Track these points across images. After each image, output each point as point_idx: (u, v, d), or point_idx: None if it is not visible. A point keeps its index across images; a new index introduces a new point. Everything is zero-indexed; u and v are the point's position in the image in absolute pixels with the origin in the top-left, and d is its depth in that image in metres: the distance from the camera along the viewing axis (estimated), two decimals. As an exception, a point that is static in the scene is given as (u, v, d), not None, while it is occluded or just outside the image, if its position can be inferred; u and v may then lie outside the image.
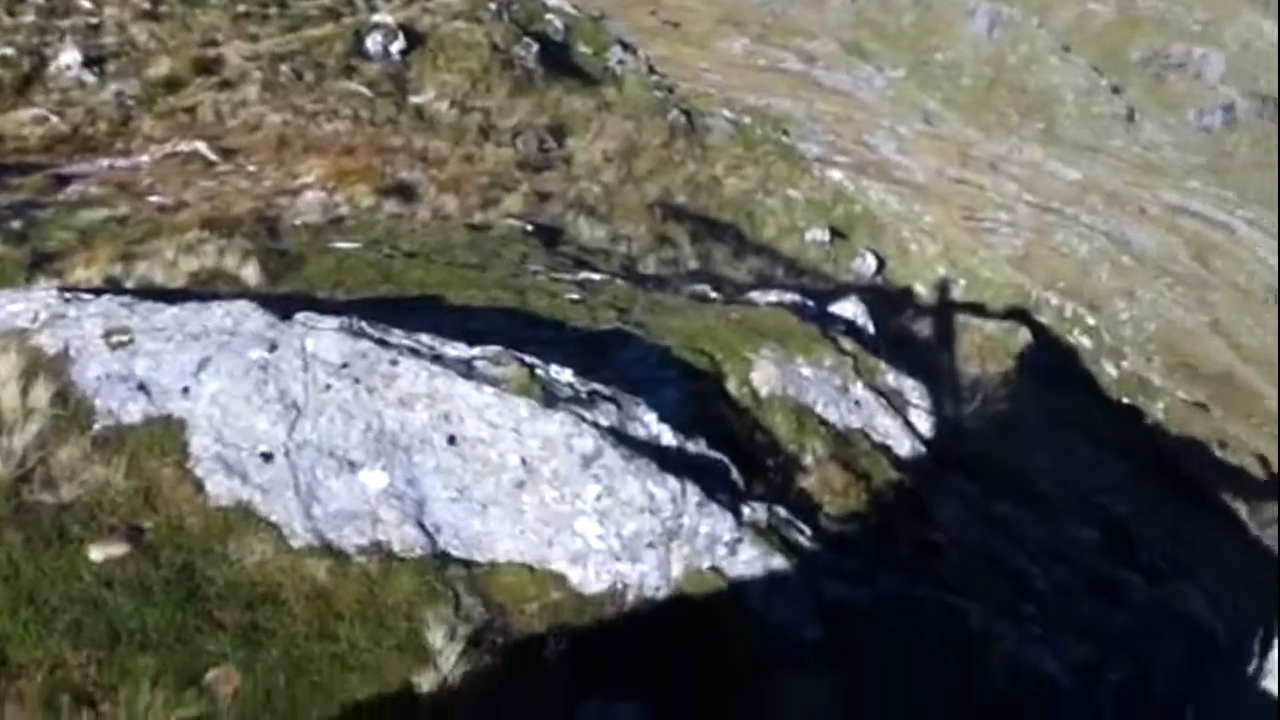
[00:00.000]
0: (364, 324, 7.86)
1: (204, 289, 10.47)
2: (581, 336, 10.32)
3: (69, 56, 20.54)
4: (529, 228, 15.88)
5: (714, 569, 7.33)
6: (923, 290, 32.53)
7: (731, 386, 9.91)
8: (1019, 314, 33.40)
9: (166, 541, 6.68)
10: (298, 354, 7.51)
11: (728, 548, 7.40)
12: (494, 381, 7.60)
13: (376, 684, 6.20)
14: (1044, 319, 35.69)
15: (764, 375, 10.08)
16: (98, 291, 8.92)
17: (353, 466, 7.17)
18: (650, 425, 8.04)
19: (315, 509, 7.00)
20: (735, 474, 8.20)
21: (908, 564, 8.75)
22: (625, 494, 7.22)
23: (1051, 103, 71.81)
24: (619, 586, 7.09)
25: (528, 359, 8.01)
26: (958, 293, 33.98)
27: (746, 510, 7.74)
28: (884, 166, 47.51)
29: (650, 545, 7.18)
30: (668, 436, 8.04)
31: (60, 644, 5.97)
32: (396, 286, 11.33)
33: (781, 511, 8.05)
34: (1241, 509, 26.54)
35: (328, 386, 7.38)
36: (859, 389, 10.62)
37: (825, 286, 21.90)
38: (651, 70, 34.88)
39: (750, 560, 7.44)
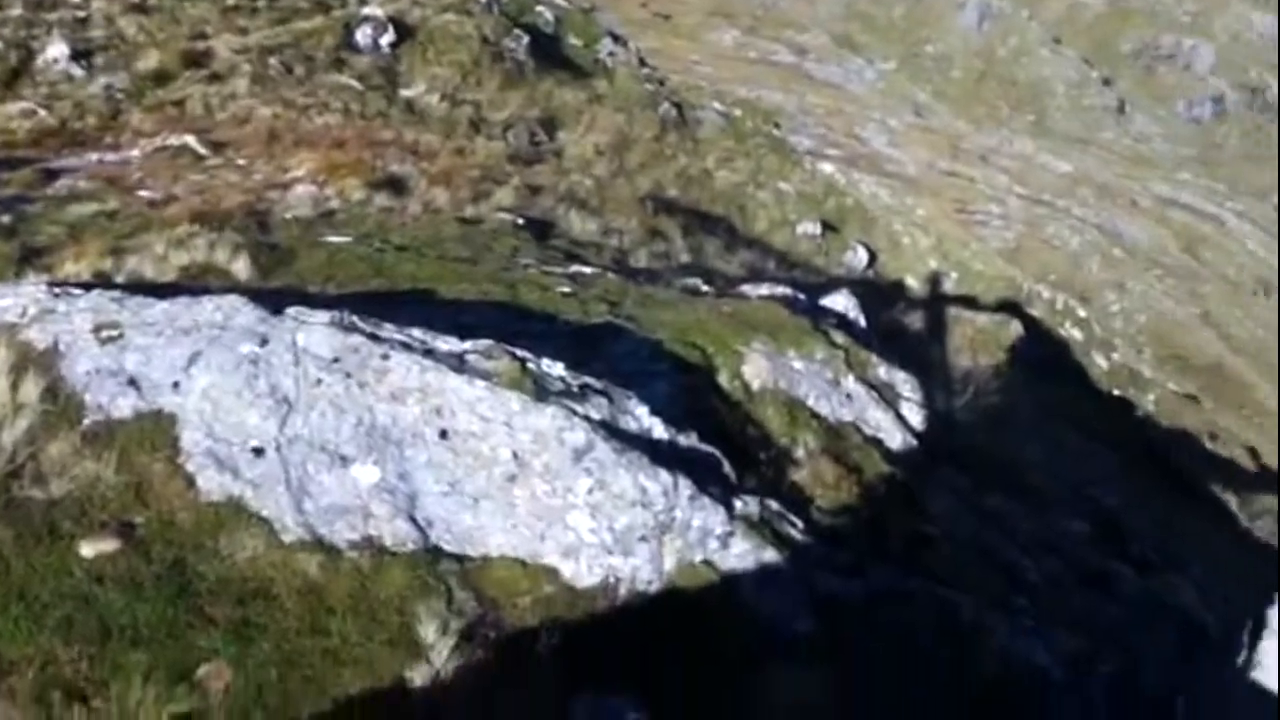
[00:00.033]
0: (355, 318, 7.84)
1: (194, 283, 10.44)
2: (573, 330, 10.31)
3: (57, 50, 20.44)
4: (520, 221, 15.86)
5: (706, 562, 7.33)
6: (914, 283, 32.59)
7: (723, 380, 9.91)
8: (1010, 306, 33.51)
9: (157, 537, 6.67)
10: (289, 348, 7.49)
11: (720, 541, 7.41)
12: (485, 375, 7.59)
13: (368, 678, 6.20)
14: (1035, 311, 35.79)
15: (755, 369, 10.08)
16: (87, 286, 8.88)
17: (344, 461, 7.16)
18: (642, 419, 8.04)
19: (307, 504, 6.99)
20: (727, 467, 8.20)
21: (899, 557, 8.77)
22: (617, 487, 7.21)
23: (1042, 95, 71.83)
24: (611, 580, 7.09)
25: (519, 353, 8.00)
26: (949, 285, 34.05)
27: (738, 504, 7.75)
28: (875, 159, 47.50)
29: (642, 539, 7.18)
30: (659, 430, 8.04)
31: (51, 640, 5.95)
32: (388, 280, 11.31)
33: (773, 505, 8.06)
34: (1232, 500, 26.67)
35: (319, 381, 7.36)
36: (850, 382, 10.63)
37: (817, 279, 21.93)
38: (642, 62, 34.85)
39: (742, 554, 7.44)
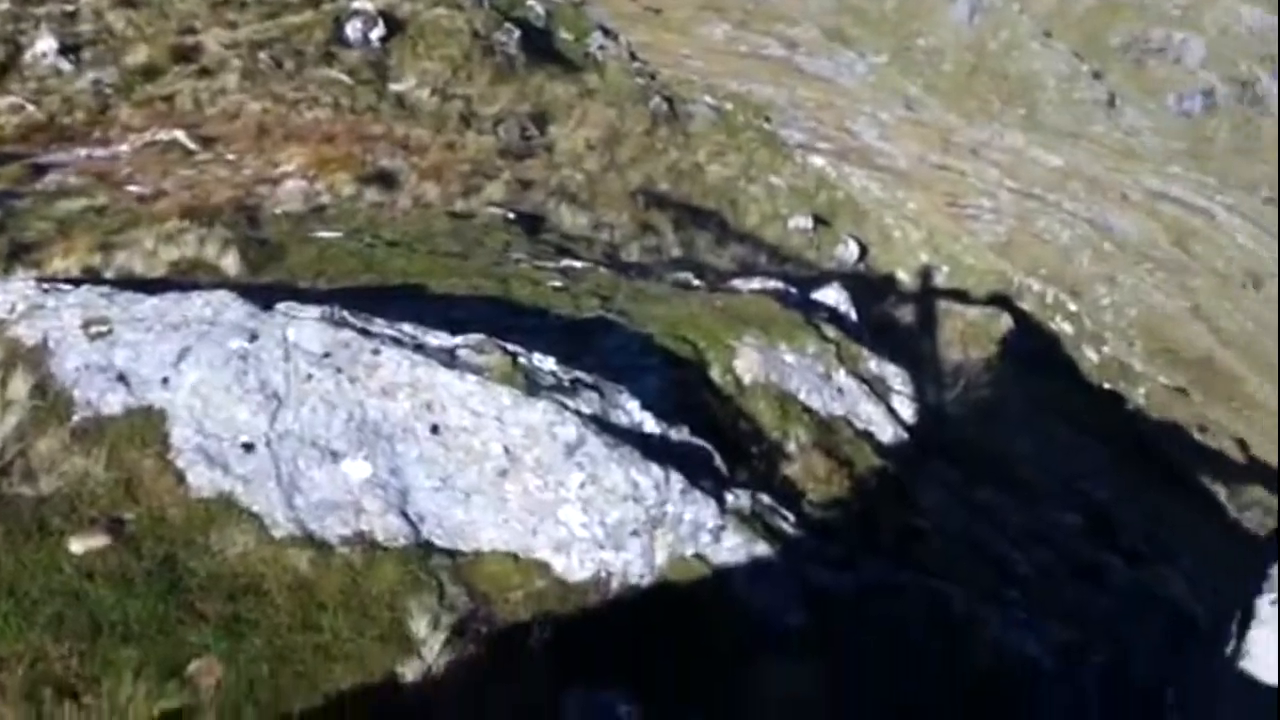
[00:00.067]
0: (345, 313, 7.83)
1: (184, 279, 10.40)
2: (564, 325, 10.31)
3: (45, 44, 20.32)
4: (511, 216, 15.83)
5: (698, 556, 7.34)
6: (905, 277, 32.62)
7: (714, 374, 9.92)
8: (1001, 300, 33.56)
9: (148, 533, 6.65)
10: (279, 344, 7.48)
11: (711, 535, 7.42)
12: (477, 370, 7.58)
13: (360, 674, 6.20)
14: (1026, 305, 35.86)
15: (747, 363, 10.09)
16: (76, 282, 8.86)
17: (335, 456, 7.15)
18: (633, 413, 8.04)
19: (297, 499, 6.98)
20: (718, 461, 8.21)
21: (891, 550, 8.79)
22: (609, 482, 7.22)
23: (1033, 88, 71.97)
24: (603, 574, 7.10)
25: (510, 347, 7.99)
26: (940, 279, 34.10)
27: (730, 497, 7.76)
28: (866, 153, 47.55)
29: (634, 533, 7.19)
30: (651, 424, 8.04)
31: (41, 636, 5.94)
32: (378, 275, 11.29)
33: (765, 499, 8.07)
34: (1221, 492, 26.79)
35: (309, 376, 7.35)
36: (842, 376, 10.64)
37: (808, 274, 21.94)
38: (633, 56, 34.79)
39: (734, 547, 7.45)
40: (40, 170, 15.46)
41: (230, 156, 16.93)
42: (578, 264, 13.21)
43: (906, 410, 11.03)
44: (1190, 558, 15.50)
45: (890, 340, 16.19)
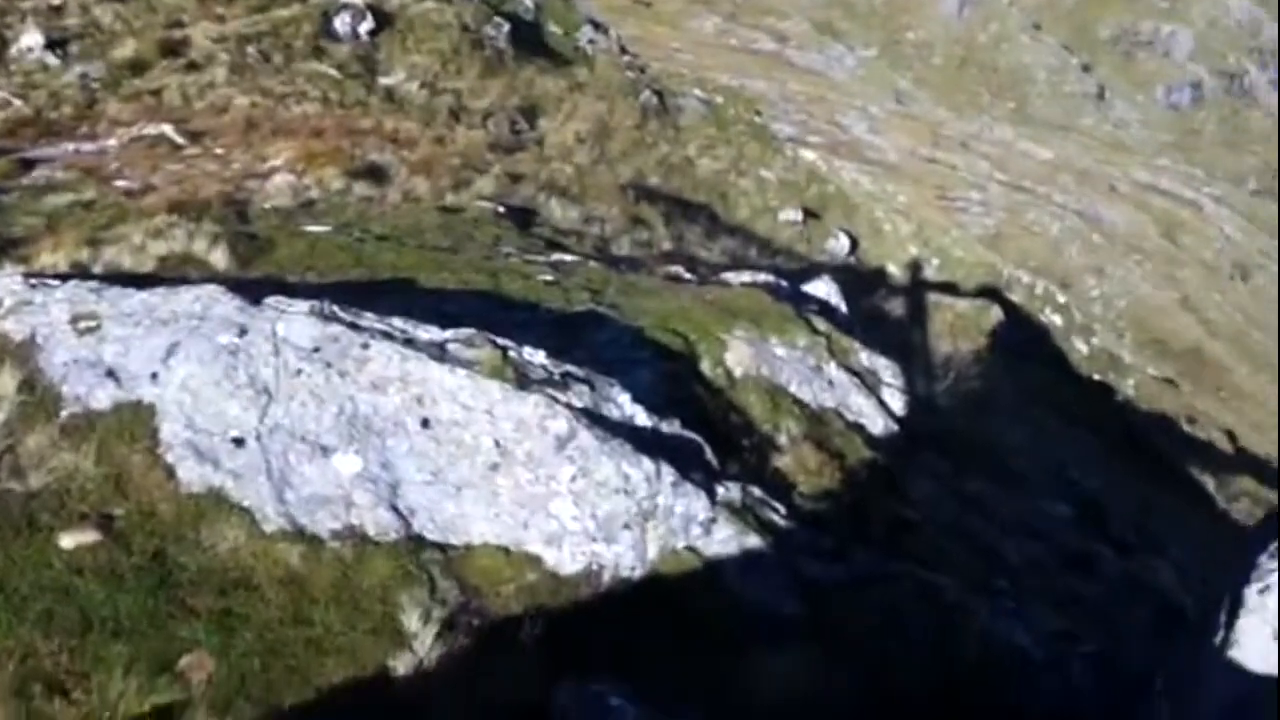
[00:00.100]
0: (335, 308, 7.81)
1: (172, 273, 10.38)
2: (555, 318, 10.30)
3: (31, 38, 20.22)
4: (501, 210, 15.81)
5: (689, 549, 7.35)
6: (895, 269, 32.69)
7: (705, 367, 9.93)
8: (991, 292, 33.66)
9: (137, 528, 6.64)
10: (268, 338, 7.46)
11: (703, 527, 7.43)
12: (467, 364, 7.58)
13: (352, 667, 6.19)
14: (1015, 297, 35.96)
15: (738, 355, 10.10)
16: (64, 277, 8.82)
17: (325, 451, 7.14)
18: (624, 406, 8.04)
19: (288, 494, 6.97)
20: (710, 454, 8.22)
21: (881, 541, 8.82)
22: (600, 475, 7.22)
23: (1022, 81, 72.06)
24: (595, 567, 7.10)
25: (501, 341, 7.98)
26: (930, 272, 34.16)
27: (721, 490, 7.77)
28: (856, 146, 47.57)
29: (625, 526, 7.19)
30: (642, 417, 8.05)
31: (32, 632, 5.93)
32: (368, 270, 11.27)
33: (756, 491, 8.09)
34: (1210, 482, 26.92)
35: (299, 371, 7.33)
36: (832, 368, 10.66)
37: (798, 266, 21.96)
38: (623, 50, 34.74)
39: (725, 540, 7.47)
40: (27, 165, 15.40)
41: (218, 151, 16.88)
42: (568, 258, 13.20)
43: (897, 402, 11.06)
44: (1179, 548, 15.59)
45: (881, 333, 16.23)
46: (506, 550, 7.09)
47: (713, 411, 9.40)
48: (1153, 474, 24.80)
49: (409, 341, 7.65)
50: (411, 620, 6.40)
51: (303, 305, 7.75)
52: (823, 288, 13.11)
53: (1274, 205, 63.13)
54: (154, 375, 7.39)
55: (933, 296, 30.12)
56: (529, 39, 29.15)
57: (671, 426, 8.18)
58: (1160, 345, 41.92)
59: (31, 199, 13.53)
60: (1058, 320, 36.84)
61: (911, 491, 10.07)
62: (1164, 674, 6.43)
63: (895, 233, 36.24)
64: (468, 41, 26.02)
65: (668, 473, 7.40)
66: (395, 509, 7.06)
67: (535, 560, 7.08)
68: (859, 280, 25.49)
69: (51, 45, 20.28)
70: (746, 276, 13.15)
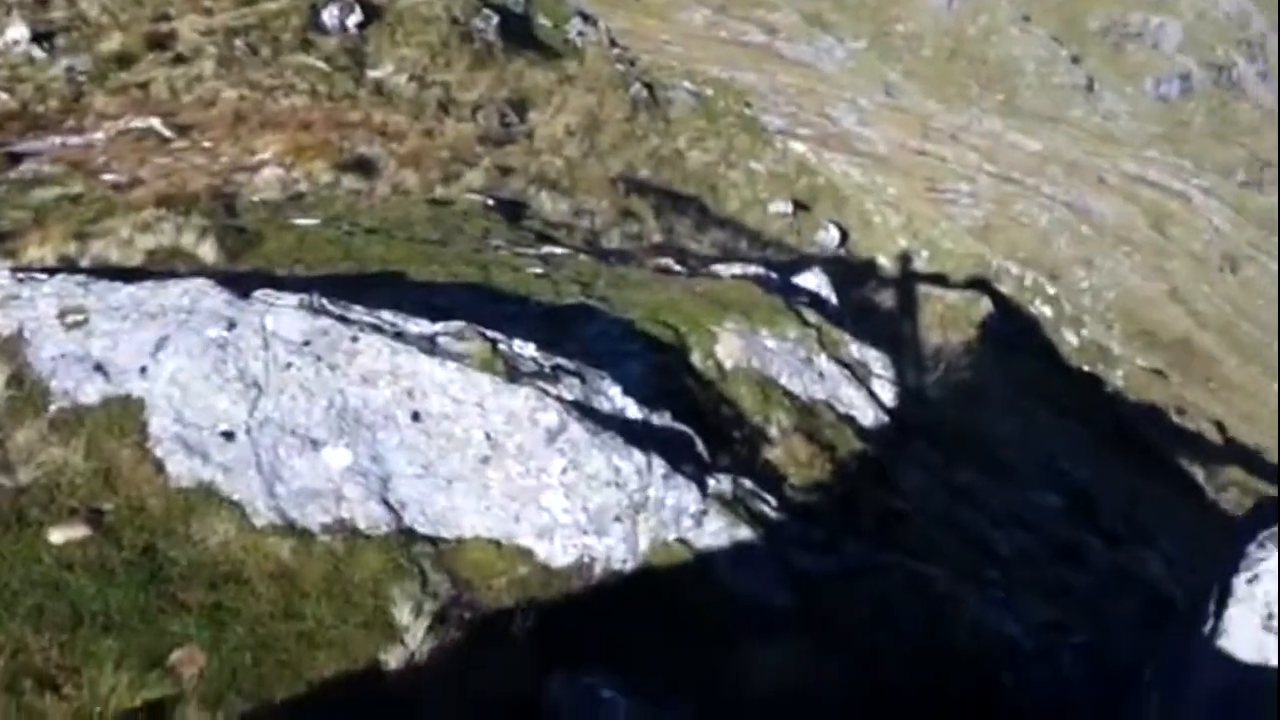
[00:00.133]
0: (324, 301, 7.79)
1: (161, 267, 10.33)
2: (545, 311, 10.29)
3: (17, 31, 20.08)
4: (491, 202, 15.77)
5: (680, 541, 7.36)
6: (885, 261, 32.72)
7: (696, 359, 9.93)
8: (980, 284, 33.71)
9: (127, 523, 6.62)
10: (257, 332, 7.44)
11: (694, 520, 7.43)
12: (457, 357, 7.57)
13: (344, 661, 6.19)
14: (1005, 289, 36.03)
15: (728, 348, 10.10)
16: (52, 271, 8.78)
17: (315, 444, 7.12)
18: (615, 399, 8.04)
19: (278, 488, 6.96)
20: (700, 446, 8.22)
21: (872, 532, 8.84)
22: (591, 468, 7.22)
23: (1012, 73, 72.15)
24: (586, 560, 7.11)
25: (491, 334, 7.97)
26: (920, 263, 34.22)
27: (712, 482, 7.77)
28: (846, 138, 47.58)
29: (617, 518, 7.20)
30: (633, 410, 8.04)
31: (22, 628, 5.91)
32: (357, 263, 11.24)
33: (747, 483, 8.10)
34: (1199, 473, 27.02)
35: (288, 364, 7.31)
36: (823, 360, 10.67)
37: (789, 258, 21.96)
38: (613, 42, 34.68)
39: (716, 532, 7.48)
40: (14, 159, 15.31)
41: (206, 144, 16.80)
42: (558, 250, 13.18)
43: (887, 394, 11.08)
44: (1168, 538, 15.65)
45: (871, 324, 16.24)
46: (498, 543, 7.09)
47: (703, 404, 9.40)
48: (1142, 465, 24.88)
49: (399, 335, 7.64)
50: (403, 614, 6.40)
51: (292, 299, 7.73)
52: (813, 280, 13.12)
53: (1262, 197, 63.39)
54: (143, 369, 7.37)
55: (923, 288, 30.16)
56: (518, 31, 29.07)
57: (662, 419, 8.18)
58: (1149, 336, 42.06)
59: (18, 193, 13.46)
60: (1047, 312, 36.93)
61: (902, 483, 10.09)
62: (1153, 664, 6.46)
63: (885, 225, 36.27)
64: (457, 34, 25.93)
65: (659, 465, 7.41)
66: (386, 502, 7.05)
67: (526, 553, 7.08)
68: (849, 272, 25.51)
69: (37, 38, 20.14)
70: (737, 269, 13.15)
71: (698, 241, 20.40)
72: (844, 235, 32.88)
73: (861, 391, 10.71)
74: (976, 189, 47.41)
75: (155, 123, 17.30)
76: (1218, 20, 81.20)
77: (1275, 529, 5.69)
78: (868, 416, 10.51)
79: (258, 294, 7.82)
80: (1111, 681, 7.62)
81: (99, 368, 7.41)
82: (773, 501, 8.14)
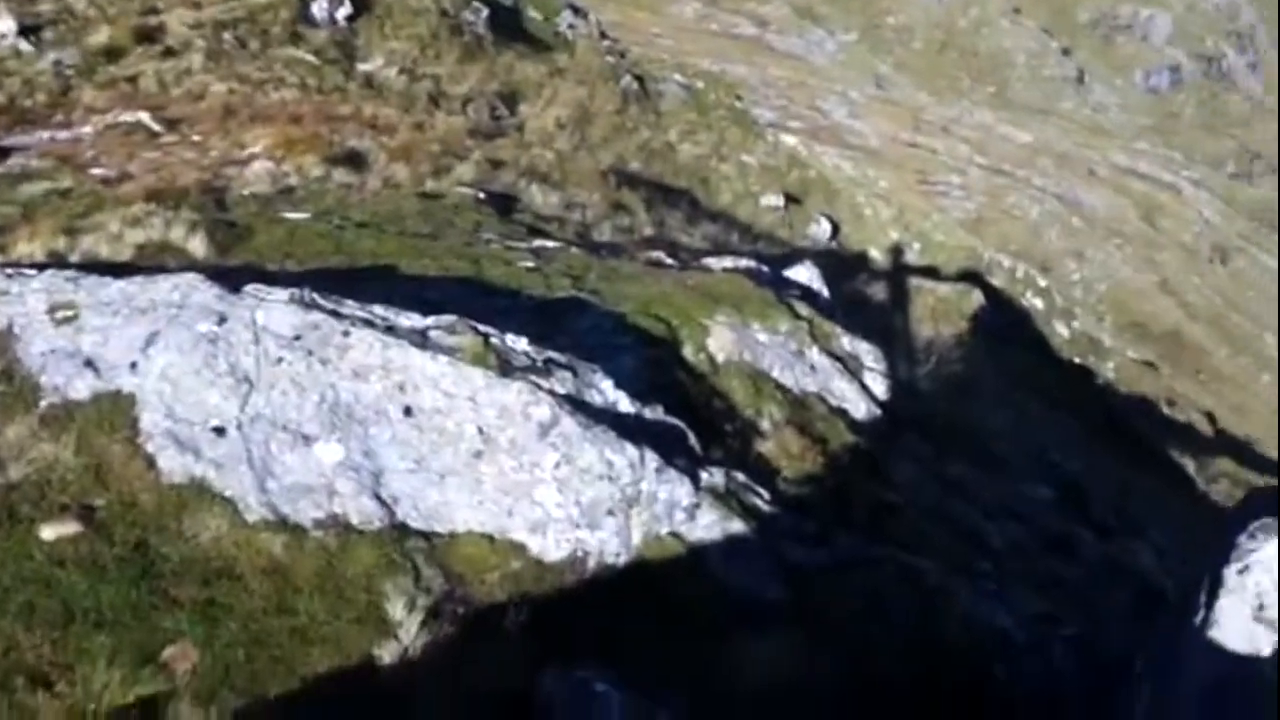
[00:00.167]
0: (315, 295, 7.77)
1: (151, 262, 10.30)
2: (537, 305, 10.28)
3: (3, 24, 19.95)
4: (482, 196, 15.74)
5: (673, 534, 7.36)
6: (877, 254, 32.76)
7: (688, 353, 9.93)
8: (972, 276, 33.79)
9: (119, 519, 6.59)
10: (248, 326, 7.41)
11: (687, 513, 7.44)
12: (449, 351, 7.55)
13: (337, 656, 6.18)
14: (996, 281, 36.11)
15: (720, 341, 10.10)
16: (41, 266, 8.75)
17: (307, 439, 7.10)
18: (607, 392, 8.04)
19: (270, 483, 6.94)
20: (693, 440, 8.22)
21: (864, 525, 8.85)
22: (583, 462, 7.22)
23: (1002, 66, 72.23)
24: (579, 554, 7.10)
25: (483, 328, 7.96)
26: (911, 256, 34.26)
27: (705, 476, 7.78)
28: (837, 131, 47.59)
29: (609, 512, 7.20)
30: (625, 403, 8.04)
31: (13, 625, 5.88)
32: (348, 257, 11.21)
33: (739, 476, 8.10)
34: (1189, 465, 27.14)
35: (280, 359, 7.29)
36: (815, 353, 10.68)
37: (780, 252, 21.97)
38: (603, 35, 34.62)
39: (709, 525, 7.48)
40: (2, 153, 15.23)
41: (196, 138, 16.73)
42: (550, 244, 13.17)
43: (879, 386, 11.09)
44: (1159, 530, 15.71)
45: (862, 317, 16.26)
46: (491, 538, 7.08)
47: (695, 397, 9.41)
48: (1133, 456, 24.98)
49: (390, 329, 7.62)
50: (396, 609, 6.39)
51: (282, 293, 7.70)
52: (804, 273, 13.13)
53: (1252, 189, 63.57)
54: (133, 365, 7.34)
55: (914, 281, 30.22)
56: (508, 24, 29.01)
57: (654, 412, 8.18)
58: (1140, 328, 42.20)
59: (7, 188, 13.39)
60: (1038, 304, 37.03)
61: (894, 475, 10.11)
62: (1144, 655, 6.48)
63: (876, 217, 36.30)
64: (446, 27, 25.85)
65: (651, 459, 7.41)
66: (378, 497, 7.04)
67: (519, 547, 7.07)
68: (840, 265, 25.53)
69: (25, 32, 20.02)
70: (728, 262, 13.16)
71: (689, 235, 20.39)
72: (835, 228, 32.91)
73: (853, 384, 10.72)
74: (967, 181, 47.48)
75: (144, 117, 17.22)
76: (1207, 12, 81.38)
77: (1265, 520, 5.71)
78: (860, 409, 10.53)
79: (248, 288, 7.79)
80: (1103, 673, 7.65)
81: (89, 363, 7.38)
82: (765, 494, 8.15)
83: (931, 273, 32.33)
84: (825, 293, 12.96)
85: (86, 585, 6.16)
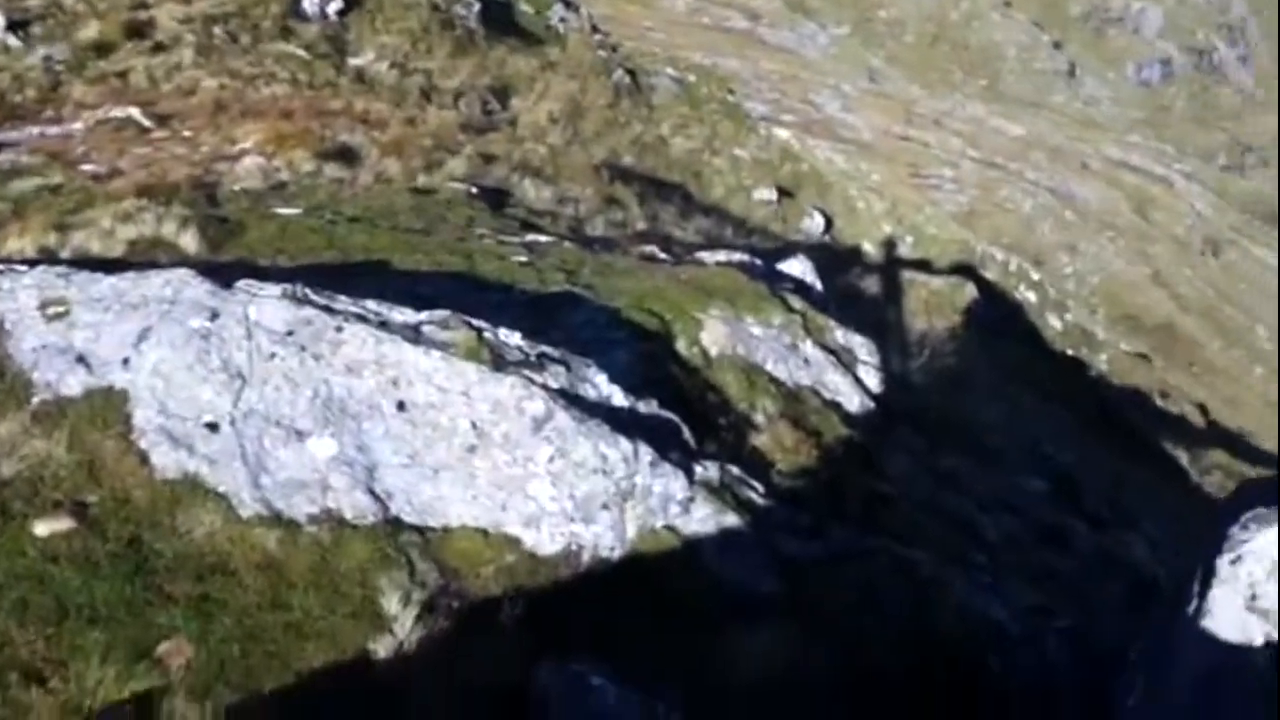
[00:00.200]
0: (308, 290, 7.75)
1: (142, 258, 10.27)
2: (530, 299, 10.27)
3: (-7, 21, 19.87)
4: (474, 190, 15.72)
5: (668, 528, 7.37)
6: (870, 248, 32.80)
7: (681, 346, 9.93)
8: (965, 270, 33.84)
9: (112, 515, 6.58)
10: (240, 322, 7.39)
11: (681, 506, 7.44)
12: (442, 346, 7.54)
13: (332, 651, 6.18)
14: (989, 274, 36.16)
15: (714, 335, 10.11)
16: (32, 262, 8.72)
17: (300, 435, 7.09)
18: (601, 386, 8.03)
19: (264, 478, 6.93)
20: (687, 433, 8.23)
21: (858, 518, 8.87)
22: (577, 455, 7.22)
23: (994, 59, 72.25)
24: (574, 548, 7.11)
25: (476, 323, 7.95)
26: (904, 249, 34.31)
27: (699, 469, 7.78)
28: (830, 125, 47.56)
29: (604, 506, 7.20)
30: (619, 397, 8.04)
31: (6, 621, 5.87)
32: (340, 252, 11.19)
33: (734, 470, 8.11)
34: (1182, 456, 27.21)
35: (272, 355, 7.28)
36: (808, 347, 10.69)
37: (773, 245, 21.98)
38: (595, 29, 34.58)
39: (704, 518, 7.49)
40: (-8, 149, 15.17)
41: (187, 134, 16.68)
42: (543, 238, 13.15)
43: (872, 379, 11.11)
44: (1152, 521, 15.75)
45: (856, 311, 16.27)
46: (485, 532, 7.08)
47: (689, 391, 9.41)
48: (1126, 449, 25.04)
49: (383, 324, 7.61)
50: (391, 603, 6.39)
51: (275, 288, 7.68)
52: (798, 266, 13.14)
53: (1243, 181, 63.72)
54: (125, 361, 7.32)
55: (907, 274, 30.25)
56: (499, 18, 28.97)
57: (648, 406, 8.18)
58: (1133, 321, 42.27)
59: (-3, 183, 13.34)
60: (1031, 297, 37.08)
61: (888, 468, 10.13)
62: (1137, 646, 6.50)
63: (869, 211, 36.33)
64: (438, 21, 25.81)
65: (645, 452, 7.41)
66: (372, 492, 7.03)
67: (514, 541, 7.08)
68: (834, 259, 25.56)
69: (13, 27, 19.93)
70: (721, 256, 13.16)
71: (682, 229, 20.39)
72: (828, 222, 32.94)
73: (847, 377, 10.74)
74: (960, 175, 47.50)
75: (134, 112, 17.16)
76: (1198, 5, 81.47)
77: (1258, 511, 5.73)
78: (853, 402, 10.54)
79: (240, 284, 7.77)
80: (1097, 665, 7.67)
81: (81, 359, 7.36)
82: (759, 488, 8.16)
83: (924, 266, 32.38)
84: (818, 286, 12.97)
85: (80, 581, 6.14)
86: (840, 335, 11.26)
